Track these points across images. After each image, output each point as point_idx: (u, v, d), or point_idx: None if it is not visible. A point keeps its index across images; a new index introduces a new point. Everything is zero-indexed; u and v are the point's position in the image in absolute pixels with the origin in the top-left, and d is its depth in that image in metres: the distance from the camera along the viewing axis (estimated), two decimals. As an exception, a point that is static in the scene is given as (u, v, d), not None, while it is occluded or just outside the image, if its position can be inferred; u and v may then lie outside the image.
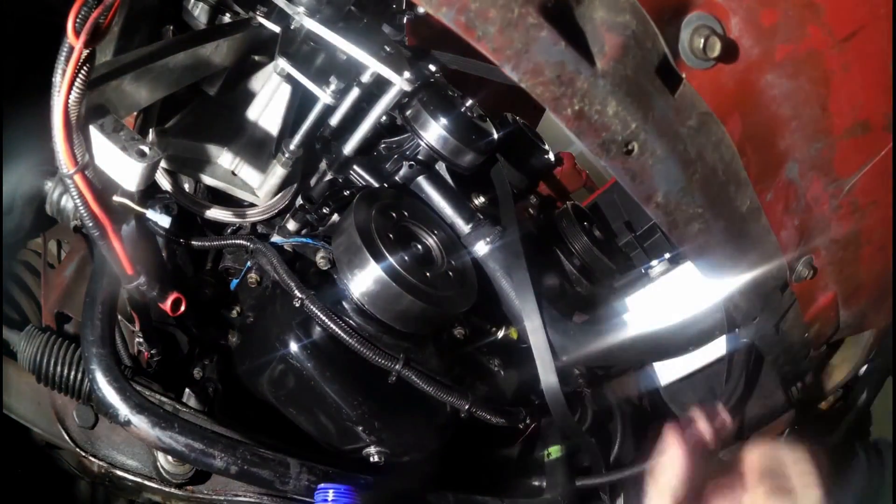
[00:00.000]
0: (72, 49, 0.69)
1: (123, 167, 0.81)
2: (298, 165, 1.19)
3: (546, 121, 2.01)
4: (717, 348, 1.26)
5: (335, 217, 1.13)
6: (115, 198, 0.90)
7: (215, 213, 1.15)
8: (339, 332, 0.99)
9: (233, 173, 1.18)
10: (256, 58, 1.21)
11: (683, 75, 0.79)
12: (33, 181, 1.08)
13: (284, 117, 1.18)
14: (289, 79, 1.13)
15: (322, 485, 0.86)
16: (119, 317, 1.08)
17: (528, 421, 1.21)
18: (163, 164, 1.11)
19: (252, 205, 1.18)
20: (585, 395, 1.41)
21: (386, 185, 1.19)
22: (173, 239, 1.12)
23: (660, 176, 0.81)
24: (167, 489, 1.07)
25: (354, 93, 1.13)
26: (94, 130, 0.79)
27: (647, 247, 1.47)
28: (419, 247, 1.11)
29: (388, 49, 1.06)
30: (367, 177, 1.19)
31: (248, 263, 1.15)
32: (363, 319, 1.04)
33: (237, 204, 1.19)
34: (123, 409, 0.87)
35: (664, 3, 0.76)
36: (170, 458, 1.04)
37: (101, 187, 0.80)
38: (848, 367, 1.49)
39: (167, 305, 0.93)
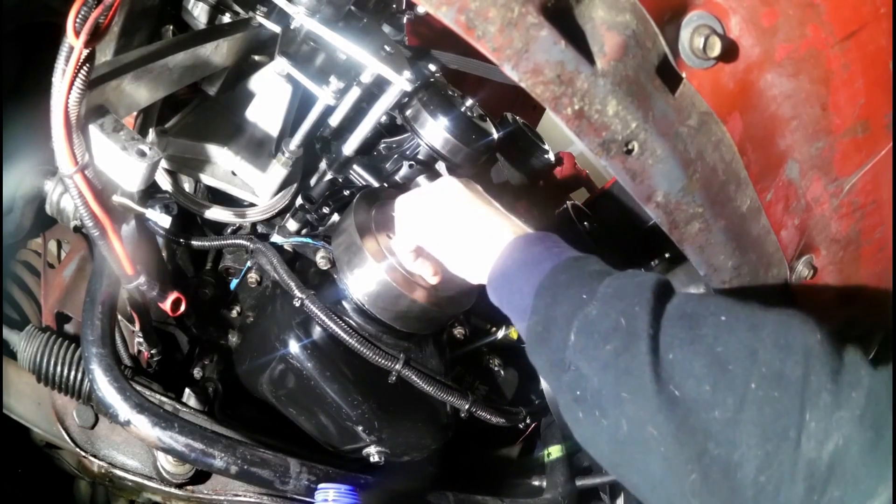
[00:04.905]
0: (72, 49, 0.69)
1: (123, 167, 0.81)
2: (298, 165, 1.19)
3: (546, 121, 2.01)
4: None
5: (335, 217, 1.13)
6: (115, 198, 0.90)
7: (215, 213, 1.15)
8: (340, 331, 0.99)
9: (233, 173, 1.18)
10: (256, 58, 1.21)
11: (683, 75, 0.79)
12: (33, 181, 1.08)
13: (284, 117, 1.18)
14: (289, 79, 1.13)
15: (322, 485, 0.86)
16: (119, 317, 1.08)
17: (528, 421, 1.21)
18: (163, 164, 1.11)
19: (252, 205, 1.18)
20: (585, 394, 1.41)
21: (386, 184, 1.19)
22: (173, 239, 1.12)
23: (660, 175, 0.81)
24: (167, 489, 1.07)
25: (354, 93, 1.13)
26: (94, 130, 0.79)
27: (647, 247, 1.47)
28: (419, 246, 1.11)
29: (388, 49, 1.06)
30: (367, 176, 1.19)
31: (248, 263, 1.15)
32: (363, 319, 1.04)
33: (237, 204, 1.18)
34: (123, 409, 0.87)
35: (664, 2, 0.76)
36: (170, 458, 1.04)
37: (101, 187, 0.80)
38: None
39: (167, 305, 0.93)
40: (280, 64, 1.03)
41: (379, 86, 1.11)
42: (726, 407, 0.53)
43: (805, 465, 0.49)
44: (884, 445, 0.48)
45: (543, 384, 1.14)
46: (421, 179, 1.18)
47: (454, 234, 0.87)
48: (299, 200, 1.17)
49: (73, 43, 0.68)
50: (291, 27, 1.09)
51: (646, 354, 0.58)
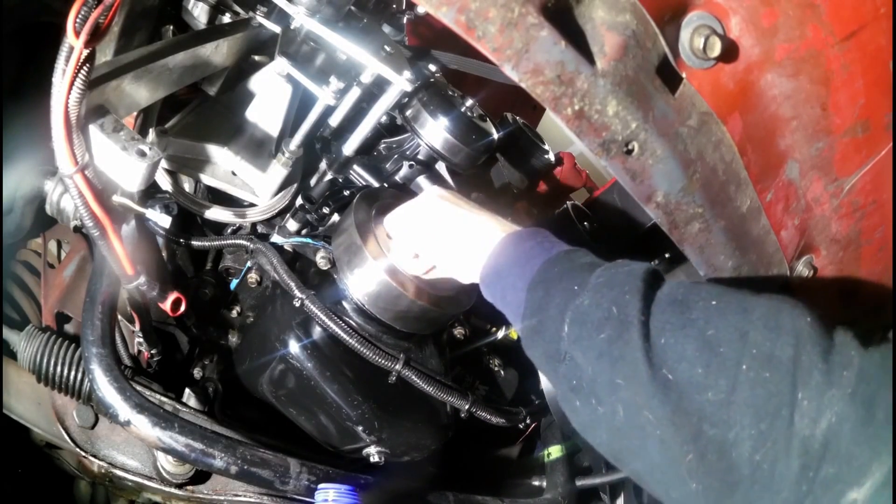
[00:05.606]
0: (72, 49, 0.69)
1: (123, 167, 0.81)
2: (298, 165, 1.19)
3: (546, 121, 2.01)
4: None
5: (335, 217, 1.13)
6: (115, 198, 0.90)
7: (215, 213, 1.15)
8: (340, 332, 0.99)
9: (233, 173, 1.18)
10: (256, 58, 1.21)
11: (684, 75, 0.79)
12: (33, 181, 1.08)
13: (284, 117, 1.18)
14: (289, 79, 1.13)
15: (322, 485, 0.86)
16: (119, 317, 1.08)
17: (528, 421, 1.21)
18: (163, 164, 1.11)
19: (252, 205, 1.18)
20: (585, 394, 1.41)
21: (386, 184, 1.19)
22: (173, 239, 1.12)
23: (660, 176, 0.81)
24: (167, 489, 1.07)
25: (354, 93, 1.13)
26: (94, 130, 0.79)
27: (647, 247, 1.46)
28: (419, 247, 1.11)
29: (388, 49, 1.06)
30: (367, 177, 1.19)
31: (248, 263, 1.15)
32: (363, 319, 1.04)
33: (237, 204, 1.18)
34: (124, 409, 0.87)
35: (664, 2, 0.76)
36: (170, 458, 1.04)
37: (101, 187, 0.80)
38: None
39: (167, 305, 0.93)
40: (280, 64, 1.03)
41: (379, 86, 1.11)
42: (719, 388, 0.54)
43: (799, 443, 0.50)
44: (876, 423, 0.49)
45: (543, 383, 1.13)
46: (421, 179, 1.18)
47: (445, 236, 0.88)
48: (299, 200, 1.17)
49: (73, 43, 0.68)
50: (291, 27, 1.09)
51: (638, 340, 0.58)
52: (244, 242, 1.11)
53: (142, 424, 0.87)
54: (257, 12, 1.13)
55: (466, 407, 1.07)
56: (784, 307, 0.57)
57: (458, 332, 1.21)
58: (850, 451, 0.49)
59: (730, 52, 0.80)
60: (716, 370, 0.54)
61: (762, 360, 0.53)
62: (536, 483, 1.37)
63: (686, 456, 0.55)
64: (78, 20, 0.67)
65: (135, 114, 1.07)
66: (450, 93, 1.23)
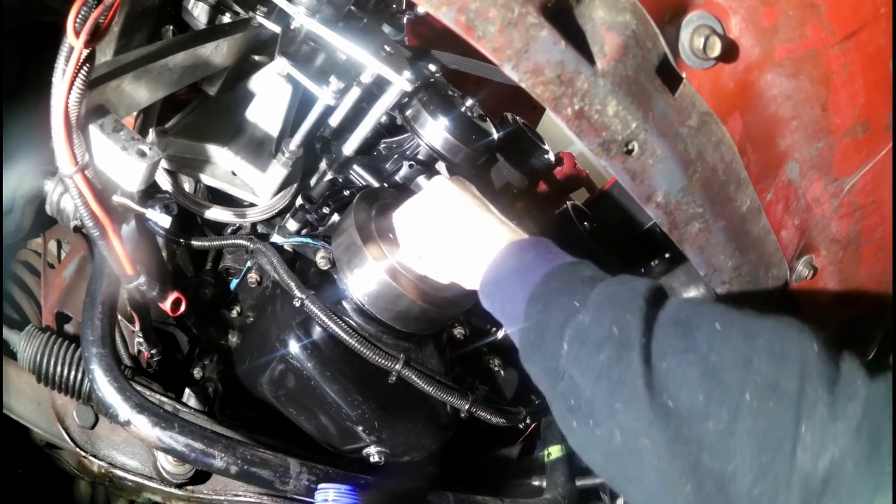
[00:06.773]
0: (72, 49, 0.69)
1: (123, 167, 0.81)
2: (298, 165, 1.19)
3: (546, 121, 2.01)
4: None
5: (335, 217, 1.13)
6: (115, 198, 0.90)
7: (215, 213, 1.15)
8: (340, 332, 0.99)
9: (233, 173, 1.18)
10: (256, 58, 1.21)
11: (684, 75, 0.79)
12: (33, 181, 1.08)
13: (284, 117, 1.18)
14: (289, 78, 1.13)
15: (322, 485, 0.86)
16: (119, 317, 1.08)
17: (528, 421, 1.21)
18: (163, 164, 1.11)
19: (252, 205, 1.18)
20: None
21: (386, 184, 1.19)
22: (173, 239, 1.12)
23: (660, 176, 0.81)
24: (167, 489, 1.07)
25: (354, 93, 1.13)
26: (94, 130, 0.79)
27: (647, 247, 1.47)
28: (419, 247, 1.10)
29: (388, 49, 1.06)
30: (367, 176, 1.19)
31: (248, 263, 1.15)
32: (363, 319, 1.04)
33: (237, 204, 1.18)
34: (124, 409, 0.87)
35: (664, 2, 0.76)
36: (170, 458, 1.04)
37: (101, 187, 0.80)
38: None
39: (167, 305, 0.93)
40: (280, 64, 1.03)
41: (379, 86, 1.11)
42: (720, 418, 0.52)
43: (800, 479, 0.49)
44: (880, 458, 0.48)
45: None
46: (421, 179, 1.18)
47: (446, 240, 0.87)
48: (299, 200, 1.17)
49: (73, 43, 0.68)
50: (291, 27, 1.09)
51: (639, 364, 0.57)
52: (244, 242, 1.11)
53: (142, 424, 0.87)
54: (257, 12, 1.13)
55: (466, 407, 1.07)
56: (790, 332, 0.55)
57: (458, 332, 1.21)
58: (852, 488, 0.47)
59: (730, 52, 0.80)
60: (718, 398, 0.53)
61: (766, 390, 0.52)
62: (536, 483, 1.37)
63: (684, 487, 0.53)
64: (78, 20, 0.67)
65: (135, 114, 1.07)
66: (450, 93, 1.23)
